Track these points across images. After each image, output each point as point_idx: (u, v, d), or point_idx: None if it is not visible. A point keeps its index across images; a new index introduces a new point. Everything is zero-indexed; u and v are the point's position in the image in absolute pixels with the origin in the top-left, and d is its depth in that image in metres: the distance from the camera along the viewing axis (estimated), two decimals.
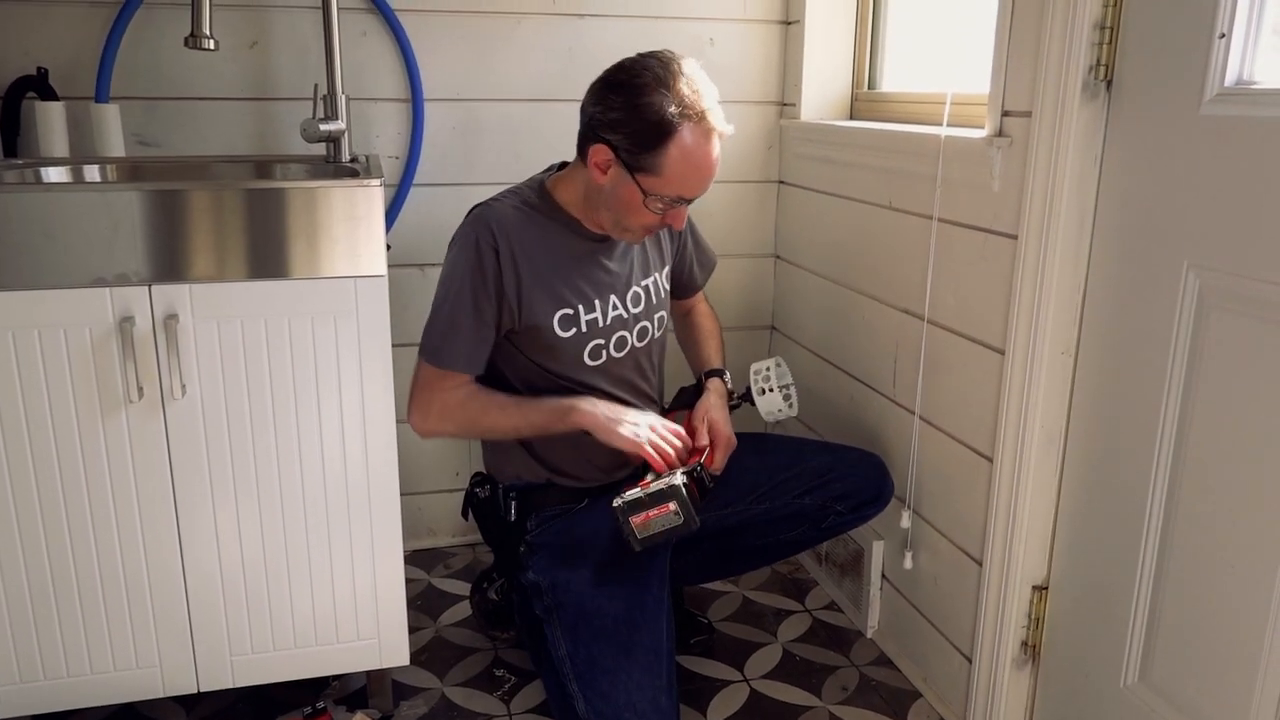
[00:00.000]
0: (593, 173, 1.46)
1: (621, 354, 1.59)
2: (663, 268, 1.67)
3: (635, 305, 1.59)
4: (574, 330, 1.53)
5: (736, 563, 1.88)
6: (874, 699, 1.68)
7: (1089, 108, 1.27)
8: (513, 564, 1.61)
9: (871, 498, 1.65)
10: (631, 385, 1.62)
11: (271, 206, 1.32)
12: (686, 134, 1.39)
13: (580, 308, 1.53)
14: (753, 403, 1.71)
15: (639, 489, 1.44)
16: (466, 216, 1.54)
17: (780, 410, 1.69)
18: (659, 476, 1.47)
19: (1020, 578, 1.45)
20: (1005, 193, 1.41)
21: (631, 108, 1.39)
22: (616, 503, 1.43)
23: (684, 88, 1.39)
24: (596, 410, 1.50)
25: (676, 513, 1.42)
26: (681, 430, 1.56)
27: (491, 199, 1.54)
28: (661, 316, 1.65)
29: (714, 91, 1.43)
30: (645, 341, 1.62)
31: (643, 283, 1.61)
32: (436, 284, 1.52)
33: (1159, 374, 1.21)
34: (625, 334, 1.59)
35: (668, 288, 1.68)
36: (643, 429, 1.51)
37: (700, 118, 1.40)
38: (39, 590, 1.37)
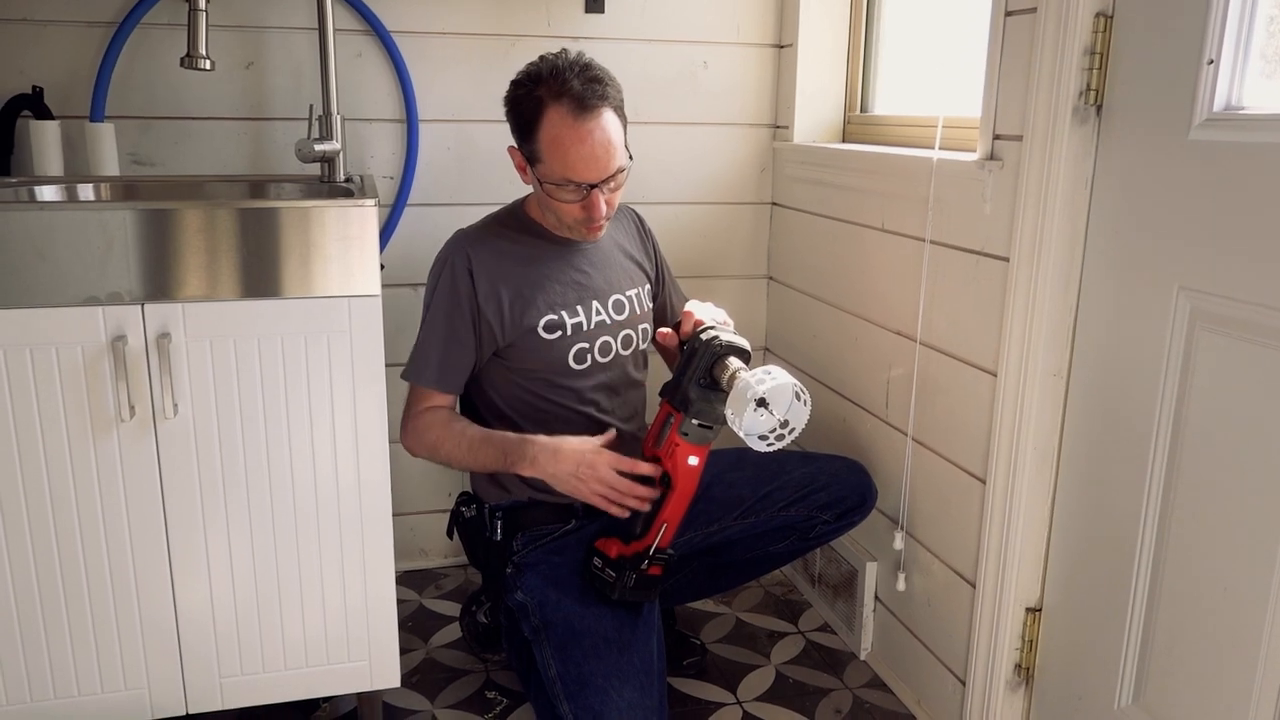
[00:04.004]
0: (521, 178, 1.55)
1: (607, 359, 1.60)
2: (644, 284, 1.69)
3: (619, 312, 1.61)
4: (559, 333, 1.55)
5: (726, 578, 1.88)
6: None
7: (1079, 132, 1.28)
8: (499, 585, 1.60)
9: (856, 504, 1.67)
10: (614, 392, 1.63)
11: (265, 226, 1.32)
12: (553, 114, 1.43)
13: (563, 312, 1.55)
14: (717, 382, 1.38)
15: (612, 568, 1.48)
16: (446, 242, 1.58)
17: (761, 439, 1.35)
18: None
19: (1014, 599, 1.45)
20: (997, 215, 1.42)
21: (511, 103, 1.50)
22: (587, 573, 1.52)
23: (551, 73, 1.44)
24: (539, 460, 1.45)
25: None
26: (634, 464, 1.45)
27: (470, 225, 1.60)
28: (646, 329, 1.67)
29: (597, 76, 1.45)
30: (630, 350, 1.64)
31: (627, 292, 1.64)
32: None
33: (1150, 396, 1.21)
34: (609, 339, 1.60)
35: (650, 304, 1.70)
36: (588, 483, 1.44)
37: (562, 94, 1.42)
38: (26, 611, 1.35)
